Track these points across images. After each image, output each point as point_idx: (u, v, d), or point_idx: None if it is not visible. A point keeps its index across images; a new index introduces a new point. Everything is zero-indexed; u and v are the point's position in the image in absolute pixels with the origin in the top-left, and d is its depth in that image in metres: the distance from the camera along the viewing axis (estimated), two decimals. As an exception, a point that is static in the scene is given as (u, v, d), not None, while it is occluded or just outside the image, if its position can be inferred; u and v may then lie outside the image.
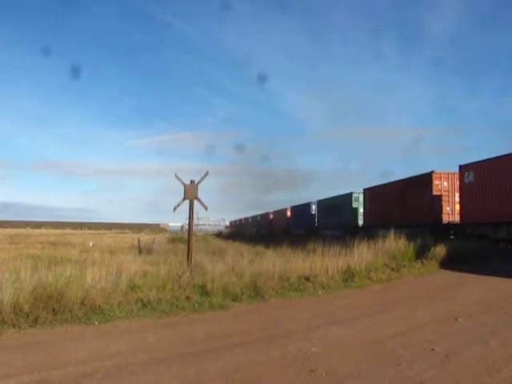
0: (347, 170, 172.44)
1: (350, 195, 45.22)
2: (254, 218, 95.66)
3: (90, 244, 31.57)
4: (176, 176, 13.24)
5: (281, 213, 71.81)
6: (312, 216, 56.87)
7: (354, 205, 44.49)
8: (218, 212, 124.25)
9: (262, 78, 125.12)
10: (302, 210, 60.62)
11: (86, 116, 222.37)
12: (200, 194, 13.28)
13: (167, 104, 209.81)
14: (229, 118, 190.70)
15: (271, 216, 78.75)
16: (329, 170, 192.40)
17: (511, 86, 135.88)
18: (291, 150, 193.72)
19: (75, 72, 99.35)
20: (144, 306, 9.61)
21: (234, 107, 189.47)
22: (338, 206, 47.14)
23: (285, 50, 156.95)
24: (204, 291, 10.78)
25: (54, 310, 8.49)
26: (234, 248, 24.61)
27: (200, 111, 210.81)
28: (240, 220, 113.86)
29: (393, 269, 15.85)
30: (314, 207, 57.01)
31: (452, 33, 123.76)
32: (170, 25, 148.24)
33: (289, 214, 67.03)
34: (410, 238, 19.14)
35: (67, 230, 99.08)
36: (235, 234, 68.93)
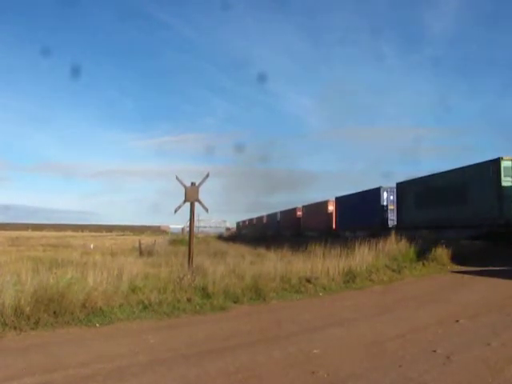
0: (349, 171, 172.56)
1: (493, 164, 23.94)
2: (270, 216, 78.23)
3: (91, 246, 31.63)
4: (177, 178, 13.27)
5: (316, 208, 54.06)
6: (383, 209, 36.48)
7: (504, 182, 23.30)
8: (219, 214, 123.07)
9: (262, 79, 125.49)
10: (359, 202, 40.26)
11: (86, 117, 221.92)
12: (202, 196, 13.30)
13: (168, 105, 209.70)
14: (229, 119, 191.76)
15: (298, 213, 61.28)
16: (331, 171, 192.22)
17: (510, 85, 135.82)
18: (292, 151, 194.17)
19: (75, 73, 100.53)
20: (145, 307, 9.61)
21: (234, 108, 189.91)
22: (452, 189, 27.18)
23: (284, 50, 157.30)
24: (205, 293, 10.77)
25: (55, 312, 8.49)
26: (235, 250, 24.63)
27: (201, 112, 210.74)
28: (250, 220, 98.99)
29: (394, 270, 15.86)
30: (385, 195, 36.41)
31: (451, 32, 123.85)
32: (169, 25, 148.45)
33: (331, 208, 49.00)
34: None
35: (68, 232, 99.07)
36: (239, 236, 67.86)
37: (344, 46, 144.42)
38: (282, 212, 70.93)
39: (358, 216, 39.17)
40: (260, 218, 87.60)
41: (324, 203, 51.02)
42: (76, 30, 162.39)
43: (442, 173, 29.72)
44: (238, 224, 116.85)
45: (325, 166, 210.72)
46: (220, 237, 67.03)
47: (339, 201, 47.03)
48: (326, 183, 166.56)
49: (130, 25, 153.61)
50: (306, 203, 61.21)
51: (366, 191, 39.99)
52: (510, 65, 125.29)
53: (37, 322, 8.16)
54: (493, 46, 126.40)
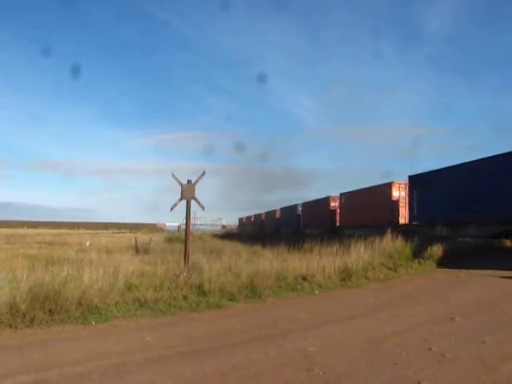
0: (348, 170, 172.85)
1: None
2: (287, 209, 63.56)
3: (87, 244, 31.54)
4: (173, 176, 13.25)
5: (367, 195, 38.08)
6: None
7: None
8: (215, 212, 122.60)
9: (261, 78, 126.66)
10: (471, 178, 24.94)
11: (83, 115, 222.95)
12: (198, 194, 13.29)
13: (166, 103, 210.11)
14: (228, 118, 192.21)
15: (333, 203, 46.34)
16: (329, 169, 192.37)
17: (510, 84, 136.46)
18: (291, 150, 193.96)
19: (73, 71, 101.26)
20: (141, 305, 9.60)
21: (233, 106, 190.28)
22: None
23: (283, 48, 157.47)
24: (201, 291, 10.77)
25: (50, 309, 8.47)
26: (232, 248, 24.63)
27: (199, 110, 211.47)
28: (258, 215, 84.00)
29: (390, 268, 15.88)
30: None
31: (450, 31, 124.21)
32: (167, 23, 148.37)
33: (396, 194, 34.07)
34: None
35: (64, 230, 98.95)
36: (241, 234, 64.43)
37: (343, 45, 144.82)
38: (305, 204, 55.91)
39: (469, 201, 24.59)
40: (270, 213, 73.58)
41: (384, 187, 35.32)
42: (73, 29, 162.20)
43: None
44: (240, 220, 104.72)
45: (323, 164, 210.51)
46: (216, 234, 66.59)
47: (416, 181, 30.47)
48: (327, 181, 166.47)
49: (128, 23, 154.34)
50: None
51: (492, 157, 23.96)
52: (508, 62, 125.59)
53: (32, 320, 8.13)
54: (491, 44, 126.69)
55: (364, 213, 37.06)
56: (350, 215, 41.06)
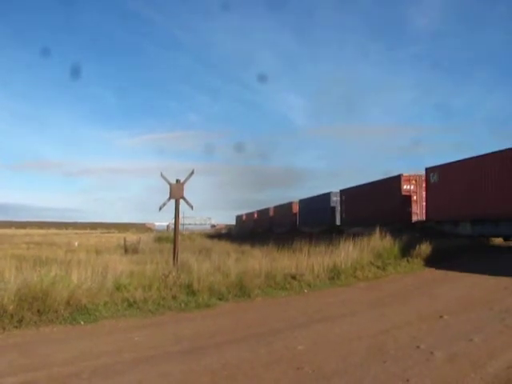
0: (339, 168, 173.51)
1: None
2: (309, 202, 49.16)
3: (76, 244, 31.41)
4: (162, 175, 13.23)
5: (498, 163, 22.18)
6: None
7: None
8: (204, 211, 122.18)
9: (251, 78, 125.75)
10: None
11: (72, 115, 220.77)
12: (188, 193, 13.28)
13: (154, 102, 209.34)
14: (217, 118, 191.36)
15: (407, 186, 30.73)
16: (321, 168, 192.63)
17: (498, 82, 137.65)
18: (281, 149, 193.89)
19: (62, 71, 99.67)
20: (130, 305, 9.58)
21: (225, 106, 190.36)
22: None
23: (272, 48, 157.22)
24: (190, 290, 10.76)
25: (39, 310, 8.43)
26: (220, 247, 24.61)
27: (187, 110, 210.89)
28: (263, 211, 69.75)
29: (378, 267, 15.93)
30: None
31: (436, 30, 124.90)
32: (153, 22, 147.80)
33: None
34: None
35: (52, 230, 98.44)
36: (237, 234, 61.17)
37: (334, 45, 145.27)
38: (346, 191, 39.81)
39: None
40: (283, 207, 58.77)
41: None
42: (61, 29, 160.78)
43: None
44: (238, 218, 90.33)
45: (315, 163, 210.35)
46: (205, 234, 66.15)
47: None
48: (319, 180, 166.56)
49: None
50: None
51: None
52: (495, 60, 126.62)
53: (20, 321, 8.09)
54: (478, 41, 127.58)
55: (494, 198, 22.33)
56: (453, 203, 25.27)
